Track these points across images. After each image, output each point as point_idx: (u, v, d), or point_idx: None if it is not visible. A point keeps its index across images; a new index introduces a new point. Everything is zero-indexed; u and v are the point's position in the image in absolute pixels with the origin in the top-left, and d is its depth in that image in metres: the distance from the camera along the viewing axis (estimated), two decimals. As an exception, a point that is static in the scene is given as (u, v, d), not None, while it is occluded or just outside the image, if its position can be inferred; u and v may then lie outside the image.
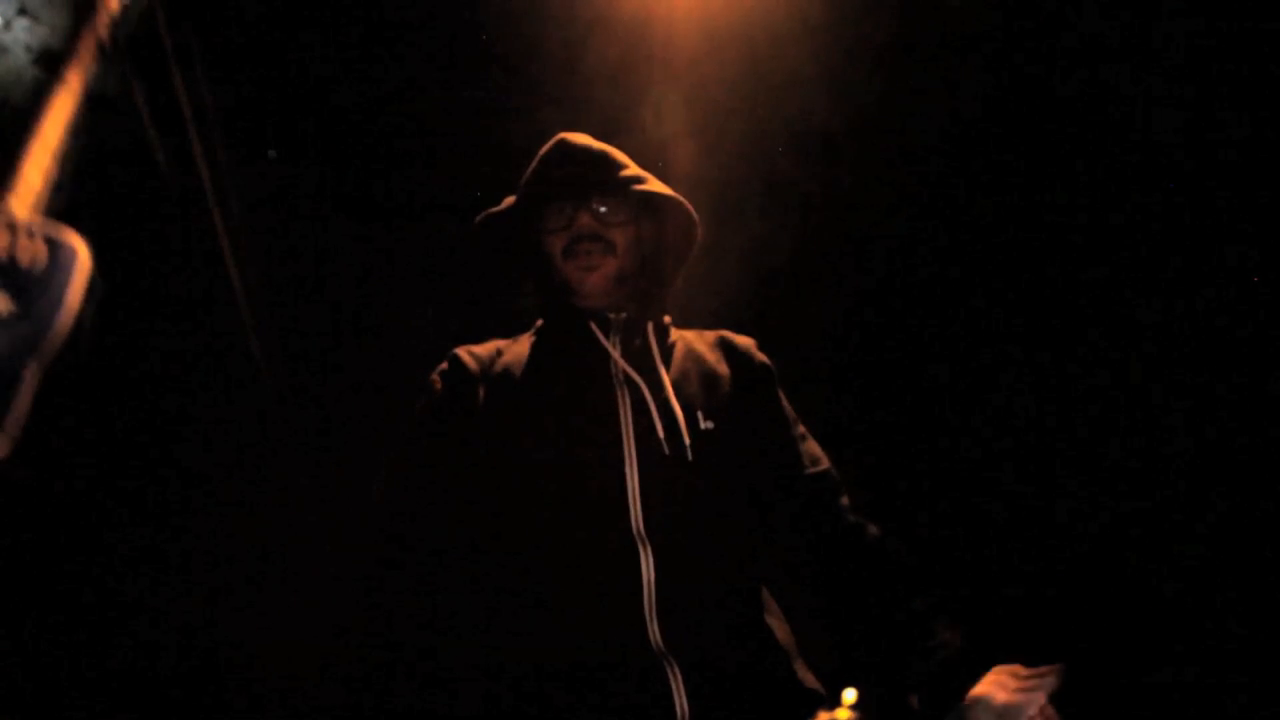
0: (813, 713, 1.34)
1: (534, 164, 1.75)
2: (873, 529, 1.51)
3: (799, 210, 5.21)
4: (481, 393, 1.53)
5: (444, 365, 1.65)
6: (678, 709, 1.21)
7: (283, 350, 4.96)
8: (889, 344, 5.85)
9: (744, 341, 1.66)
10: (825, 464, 1.54)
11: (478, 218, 1.77)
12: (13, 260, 1.29)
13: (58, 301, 1.30)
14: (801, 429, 1.58)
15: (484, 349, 1.67)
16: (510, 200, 1.77)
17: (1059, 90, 5.01)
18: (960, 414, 5.86)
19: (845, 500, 1.51)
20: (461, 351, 1.62)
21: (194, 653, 5.01)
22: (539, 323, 1.69)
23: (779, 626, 1.37)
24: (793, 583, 1.46)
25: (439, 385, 1.60)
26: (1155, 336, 5.37)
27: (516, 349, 1.64)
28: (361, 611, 1.38)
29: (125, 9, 1.87)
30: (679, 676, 1.23)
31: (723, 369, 1.58)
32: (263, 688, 5.20)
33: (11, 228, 1.33)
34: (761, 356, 1.63)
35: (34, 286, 1.29)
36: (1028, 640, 5.43)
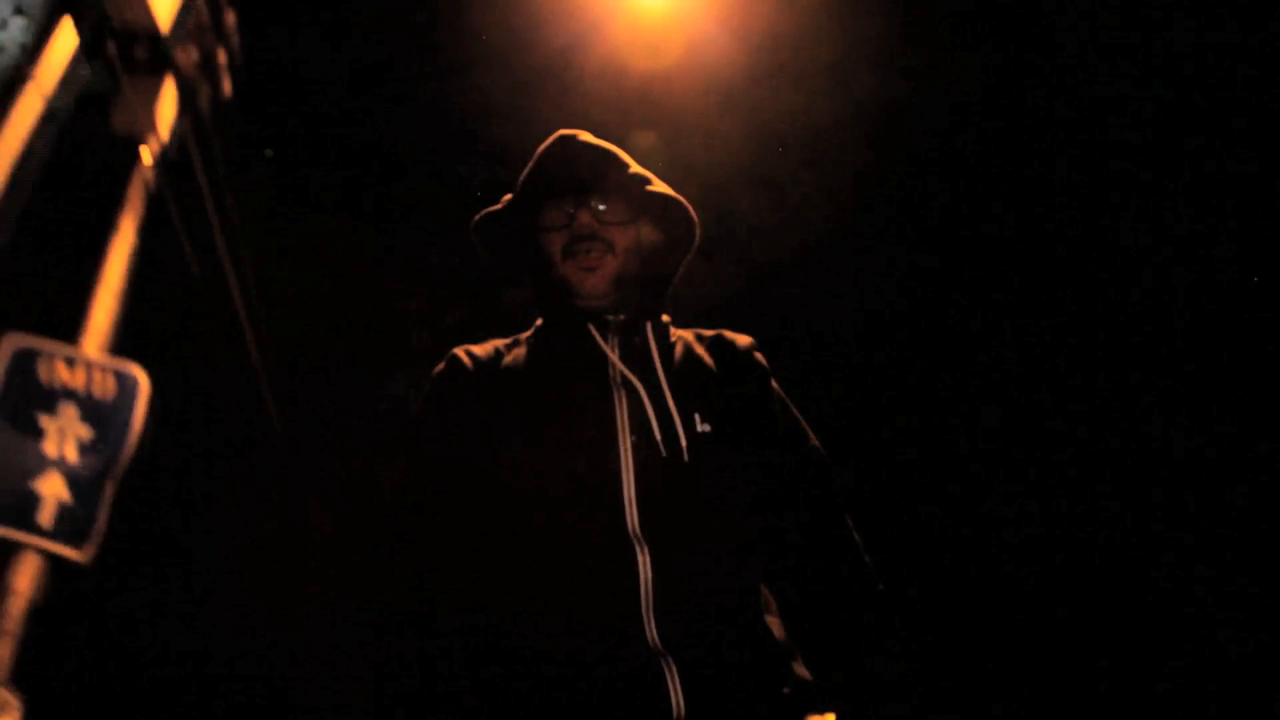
0: (808, 710, 1.34)
1: (533, 161, 1.73)
2: (838, 542, 1.46)
3: (799, 209, 5.22)
4: (480, 394, 1.53)
5: (442, 366, 1.64)
6: (674, 705, 1.22)
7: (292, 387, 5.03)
8: (888, 344, 5.85)
9: (743, 340, 1.65)
10: (823, 463, 1.54)
11: (476, 217, 1.77)
12: (90, 394, 1.57)
13: (127, 426, 1.57)
14: (802, 427, 1.57)
15: (483, 349, 1.64)
16: (508, 198, 1.76)
17: (1059, 89, 5.02)
18: (960, 414, 5.86)
19: (831, 505, 1.49)
20: (460, 352, 1.61)
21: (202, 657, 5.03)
22: (538, 323, 1.68)
23: (776, 624, 1.37)
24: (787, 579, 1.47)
25: (438, 386, 1.59)
26: (1153, 335, 5.38)
27: (515, 350, 1.63)
28: (366, 610, 1.38)
29: (165, 151, 2.21)
30: (675, 673, 1.23)
31: (721, 369, 1.57)
32: (267, 688, 5.20)
33: (88, 366, 1.61)
34: (760, 356, 1.62)
35: (108, 415, 1.57)
36: (1025, 639, 5.43)
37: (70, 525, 1.38)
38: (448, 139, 4.80)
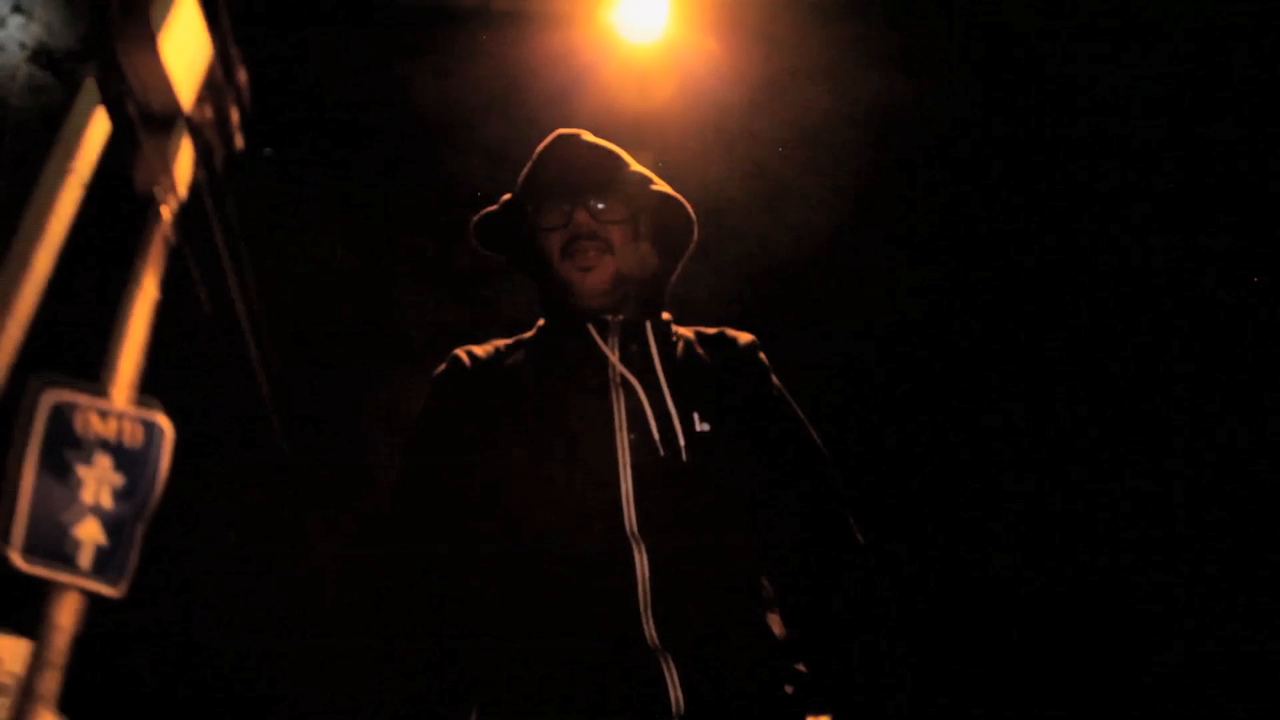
0: (809, 708, 1.34)
1: (531, 162, 1.74)
2: (839, 539, 1.46)
3: (799, 208, 5.22)
4: (480, 393, 1.53)
5: (444, 366, 1.65)
6: (672, 699, 1.23)
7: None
8: (888, 344, 5.86)
9: (745, 338, 1.64)
10: (824, 461, 1.54)
11: (475, 217, 1.77)
12: (121, 443, 1.73)
13: (155, 472, 1.74)
14: (803, 424, 1.57)
15: (484, 349, 1.64)
16: (507, 198, 1.76)
17: (1058, 91, 5.02)
18: (959, 413, 5.86)
19: (832, 502, 1.48)
20: (461, 352, 1.59)
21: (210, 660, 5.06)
22: (540, 323, 1.68)
23: (778, 622, 1.37)
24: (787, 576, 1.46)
25: (440, 387, 1.60)
26: (1151, 332, 5.38)
27: (517, 350, 1.62)
28: (371, 609, 1.39)
29: (183, 206, 2.37)
30: (674, 670, 1.23)
31: (722, 367, 1.56)
32: (271, 690, 5.21)
33: (119, 417, 1.76)
34: (761, 353, 1.62)
35: (137, 462, 1.73)
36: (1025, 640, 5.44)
37: (106, 565, 1.54)
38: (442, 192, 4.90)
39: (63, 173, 1.85)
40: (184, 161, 2.40)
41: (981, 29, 4.64)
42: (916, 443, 5.92)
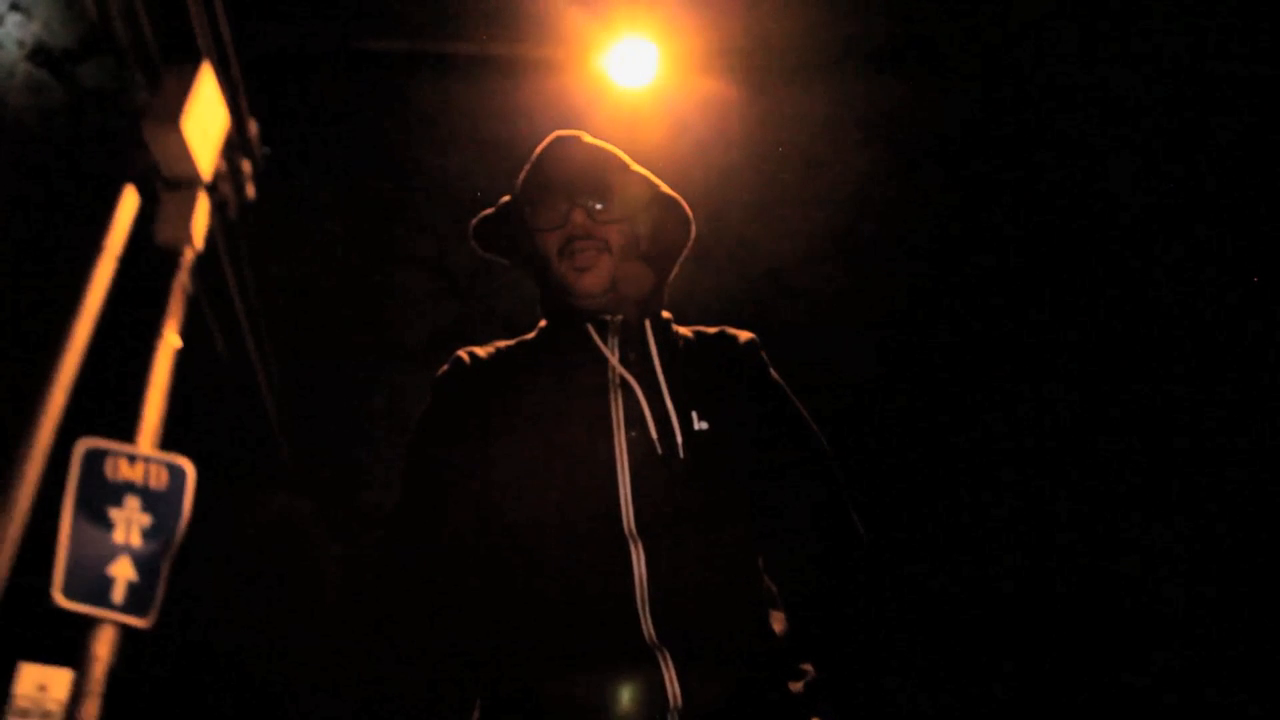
0: (813, 706, 1.34)
1: (530, 163, 1.74)
2: (840, 535, 1.46)
3: (799, 207, 5.24)
4: (481, 394, 1.55)
5: (445, 368, 1.65)
6: (670, 695, 1.23)
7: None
8: (888, 345, 5.86)
9: (744, 336, 1.68)
10: (825, 456, 1.53)
11: (474, 220, 1.77)
12: (148, 486, 1.96)
13: (179, 512, 1.96)
14: (804, 420, 1.56)
15: (485, 350, 1.67)
16: (506, 199, 1.76)
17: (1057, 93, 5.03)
18: (960, 413, 5.87)
19: (833, 498, 1.48)
20: (463, 353, 1.62)
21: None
22: (541, 323, 1.69)
23: (780, 619, 1.37)
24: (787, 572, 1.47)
25: (441, 389, 1.60)
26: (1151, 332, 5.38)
27: (517, 350, 1.69)
28: (375, 609, 1.39)
29: (199, 257, 2.62)
30: (670, 664, 1.24)
31: (721, 366, 1.61)
32: (271, 688, 5.22)
33: (145, 461, 1.99)
34: (761, 351, 1.62)
35: (163, 504, 1.96)
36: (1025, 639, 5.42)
37: (137, 599, 1.74)
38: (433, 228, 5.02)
39: (98, 250, 2.05)
40: (200, 216, 2.65)
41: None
42: (917, 442, 5.93)
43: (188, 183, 2.44)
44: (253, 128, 3.22)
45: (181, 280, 2.54)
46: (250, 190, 3.20)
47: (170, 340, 2.38)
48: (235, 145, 3.05)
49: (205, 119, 2.53)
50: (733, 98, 4.30)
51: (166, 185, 2.37)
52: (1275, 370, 5.12)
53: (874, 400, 5.87)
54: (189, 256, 2.62)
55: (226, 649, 5.18)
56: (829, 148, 4.85)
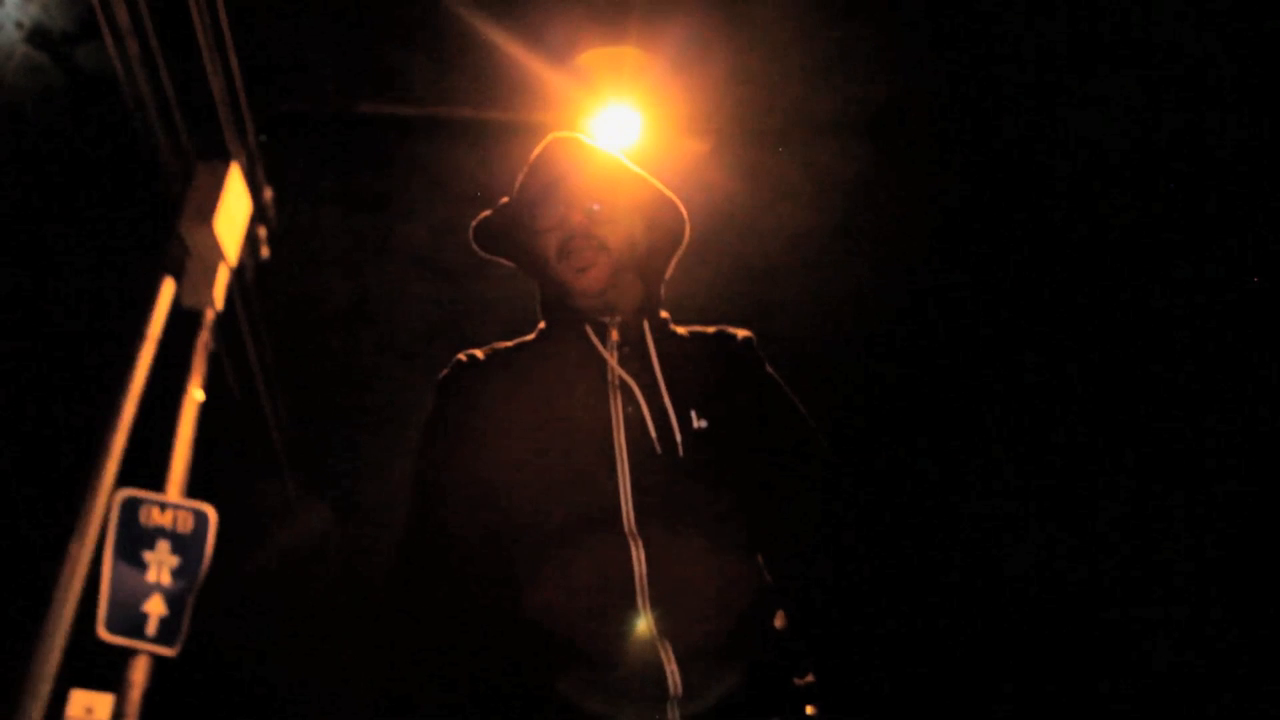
0: (806, 696, 1.36)
1: (528, 165, 1.73)
2: (838, 531, 1.48)
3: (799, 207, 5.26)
4: (482, 396, 1.56)
5: (447, 371, 1.66)
6: (670, 684, 1.25)
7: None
8: (888, 346, 5.88)
9: (741, 333, 1.70)
10: (822, 451, 1.54)
11: (474, 222, 1.76)
12: (176, 531, 2.22)
13: (203, 552, 2.22)
14: (801, 415, 1.58)
15: (485, 352, 1.67)
16: (505, 201, 1.76)
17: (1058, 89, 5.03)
18: (960, 414, 5.91)
19: (832, 494, 1.49)
20: (463, 356, 1.63)
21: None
22: (541, 325, 1.70)
23: (780, 616, 1.39)
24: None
25: (444, 392, 1.60)
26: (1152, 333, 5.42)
27: (517, 352, 1.72)
28: (383, 608, 1.40)
29: (218, 316, 2.88)
30: (671, 653, 1.25)
31: (720, 365, 1.53)
32: (284, 690, 5.22)
33: (174, 509, 2.26)
34: (759, 350, 1.63)
35: (189, 546, 2.21)
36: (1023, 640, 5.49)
37: (167, 632, 2.01)
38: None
39: (141, 338, 2.35)
40: (221, 283, 2.93)
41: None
42: (917, 441, 5.97)
43: (213, 261, 2.75)
44: (268, 194, 3.45)
45: (204, 340, 2.83)
46: (265, 251, 3.49)
47: (194, 396, 2.68)
48: (254, 216, 3.29)
49: (233, 211, 2.85)
50: (714, 161, 4.56)
51: (193, 261, 2.69)
52: (1275, 369, 5.15)
53: (873, 400, 5.90)
54: (210, 316, 2.90)
55: (234, 657, 5.17)
56: (812, 213, 5.00)
